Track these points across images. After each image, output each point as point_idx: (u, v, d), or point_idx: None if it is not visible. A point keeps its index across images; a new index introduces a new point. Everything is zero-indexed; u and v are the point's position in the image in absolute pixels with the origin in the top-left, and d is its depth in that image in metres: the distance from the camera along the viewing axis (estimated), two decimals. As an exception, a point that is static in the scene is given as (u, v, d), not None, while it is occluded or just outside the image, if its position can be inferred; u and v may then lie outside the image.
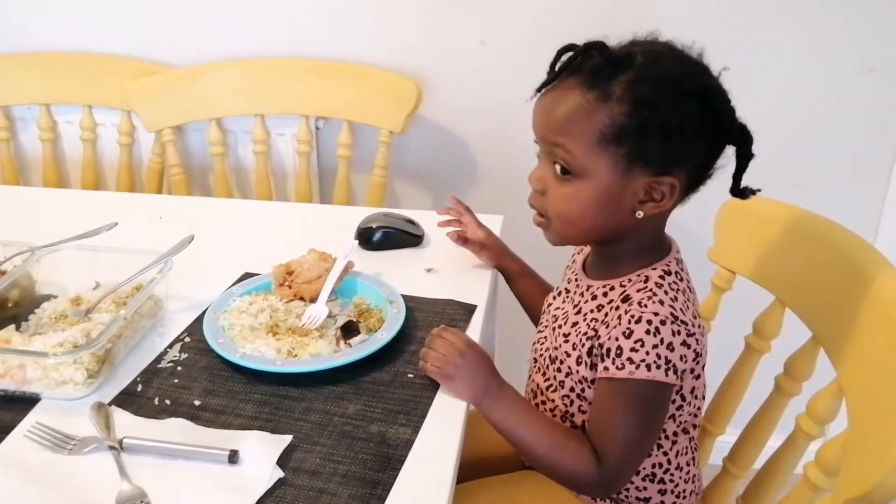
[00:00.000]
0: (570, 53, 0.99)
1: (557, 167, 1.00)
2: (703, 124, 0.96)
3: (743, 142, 1.00)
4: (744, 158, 1.01)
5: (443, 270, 1.35)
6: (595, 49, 0.96)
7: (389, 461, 0.92)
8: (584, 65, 0.97)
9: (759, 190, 1.03)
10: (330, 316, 1.16)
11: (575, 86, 0.96)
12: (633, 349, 0.97)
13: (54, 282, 1.22)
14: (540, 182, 1.03)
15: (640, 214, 1.01)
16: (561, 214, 1.03)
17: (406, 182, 2.06)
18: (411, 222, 1.45)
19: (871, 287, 0.98)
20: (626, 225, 1.02)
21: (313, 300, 1.18)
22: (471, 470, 1.23)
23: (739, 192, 1.03)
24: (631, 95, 0.94)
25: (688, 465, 1.15)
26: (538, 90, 1.01)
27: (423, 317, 1.20)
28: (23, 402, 1.01)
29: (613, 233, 1.04)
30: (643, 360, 0.97)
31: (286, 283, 1.21)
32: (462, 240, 1.35)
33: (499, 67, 1.88)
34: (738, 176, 1.02)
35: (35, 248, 1.23)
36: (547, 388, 1.14)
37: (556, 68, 0.99)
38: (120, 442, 0.93)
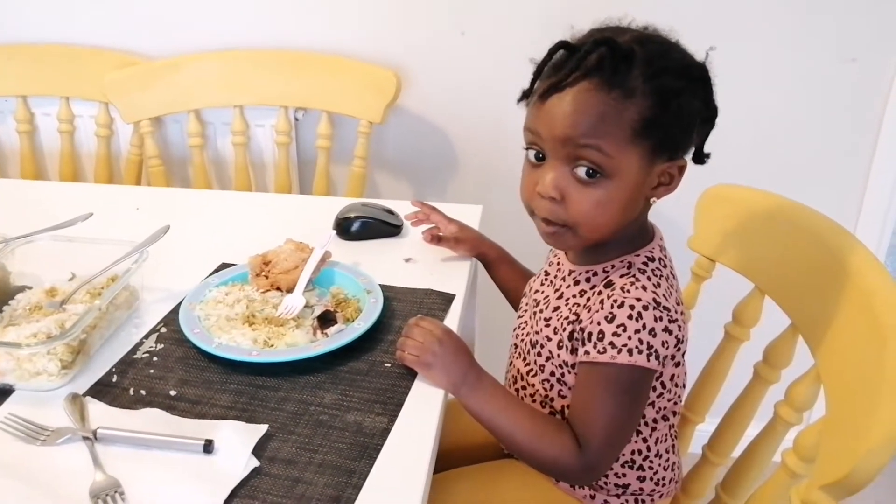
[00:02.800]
0: (563, 51, 0.97)
1: (581, 170, 0.96)
2: (708, 106, 0.99)
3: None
4: (710, 128, 1.03)
5: (421, 260, 1.34)
6: (604, 45, 0.94)
7: (366, 450, 0.92)
8: (592, 63, 0.94)
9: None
10: (307, 306, 1.15)
11: (593, 87, 0.94)
12: (615, 333, 0.98)
13: (29, 273, 1.21)
14: (557, 189, 0.98)
15: (654, 201, 1.02)
16: (589, 219, 0.99)
17: (386, 172, 2.05)
18: (390, 212, 1.44)
19: (848, 274, 0.98)
20: (640, 214, 1.04)
21: (290, 290, 1.17)
22: (450, 459, 1.23)
23: (703, 158, 1.04)
24: (652, 88, 0.94)
25: (667, 452, 1.15)
26: (546, 93, 0.96)
27: (402, 306, 1.19)
28: (-4, 394, 1.00)
29: (629, 224, 1.03)
30: (625, 345, 0.97)
31: (263, 274, 1.20)
32: (436, 239, 1.35)
33: (478, 57, 1.87)
34: (702, 144, 1.04)
35: (8, 239, 1.22)
36: (527, 373, 1.14)
37: (559, 68, 0.96)
38: (94, 432, 0.92)
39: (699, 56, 0.99)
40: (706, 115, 1.00)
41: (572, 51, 0.96)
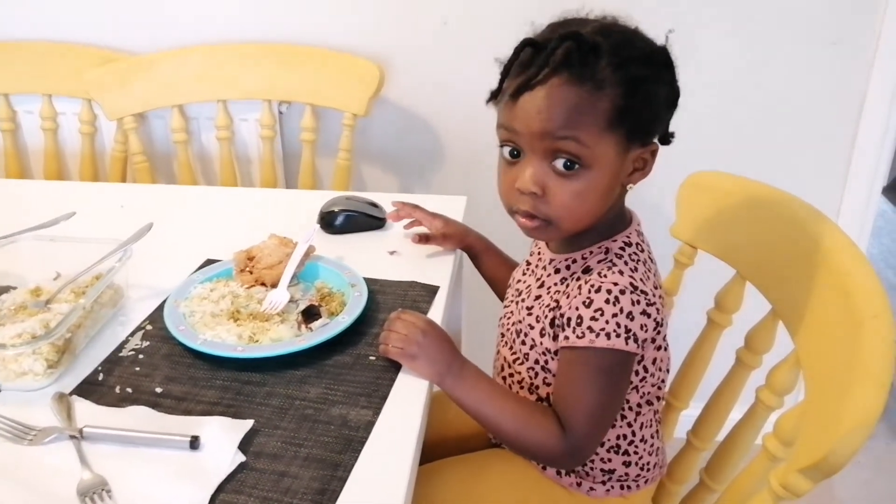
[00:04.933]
0: (529, 49, 0.98)
1: (559, 163, 0.98)
2: (672, 88, 1.01)
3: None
4: (674, 109, 1.04)
5: (406, 252, 1.35)
6: (569, 39, 0.95)
7: (351, 443, 0.92)
8: (560, 58, 0.95)
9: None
10: (292, 301, 1.16)
11: (564, 81, 0.95)
12: (592, 318, 0.99)
13: (13, 273, 1.21)
14: (537, 184, 0.99)
15: (630, 187, 1.04)
16: (572, 211, 1.00)
17: (371, 165, 2.05)
18: (374, 205, 1.45)
19: (825, 259, 0.99)
20: (617, 201, 1.05)
21: (274, 285, 1.18)
22: (437, 449, 1.24)
23: (668, 139, 1.06)
24: (621, 77, 0.95)
25: (652, 437, 1.16)
26: (518, 92, 0.97)
27: (386, 299, 1.20)
28: (-19, 395, 1.00)
29: (608, 211, 1.04)
30: (603, 329, 0.98)
31: (247, 269, 1.20)
32: (424, 238, 1.36)
33: (461, 47, 1.88)
34: (668, 125, 1.05)
35: (-9, 240, 1.21)
36: (514, 361, 1.15)
37: (528, 66, 0.97)
38: (80, 431, 0.92)
39: (659, 40, 1.01)
40: (671, 97, 1.02)
41: (538, 48, 0.97)
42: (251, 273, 1.20)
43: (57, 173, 2.04)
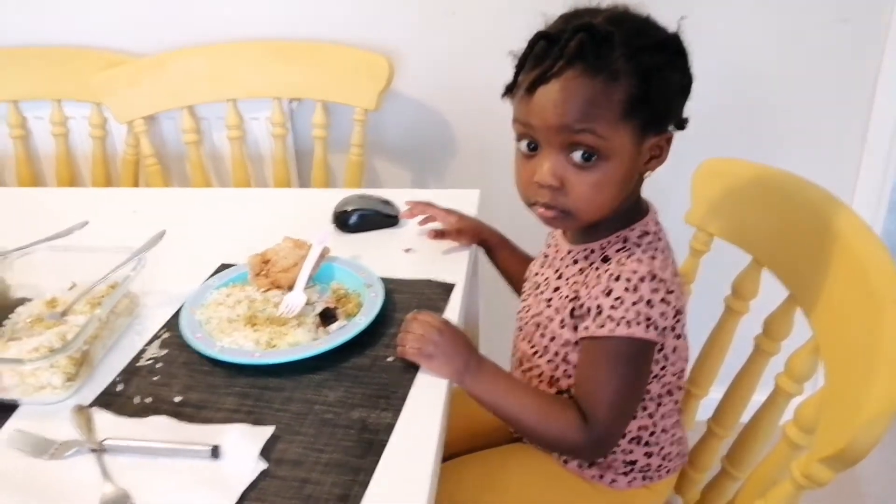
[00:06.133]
0: (543, 42, 0.98)
1: (577, 155, 0.98)
2: (687, 76, 1.01)
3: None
4: (688, 95, 1.04)
5: (421, 249, 1.35)
6: (582, 31, 0.95)
7: (371, 446, 0.92)
8: (573, 50, 0.95)
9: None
10: (308, 303, 1.16)
11: (579, 73, 0.95)
12: (612, 307, 0.99)
13: (28, 284, 1.21)
14: (556, 177, 1.00)
15: (647, 175, 1.05)
16: (591, 201, 1.01)
17: (384, 159, 2.05)
18: (387, 203, 1.44)
19: (841, 245, 0.99)
20: (634, 189, 1.06)
21: (290, 288, 1.18)
22: (458, 446, 1.24)
23: (682, 124, 1.05)
24: (635, 67, 0.95)
25: (673, 427, 1.16)
26: (533, 85, 0.97)
27: (402, 298, 1.19)
28: (1, 410, 1.00)
29: (625, 200, 1.04)
30: (623, 318, 0.98)
31: (263, 273, 1.20)
32: (439, 234, 1.36)
33: (471, 38, 1.87)
34: (681, 111, 1.05)
35: (6, 251, 1.22)
36: (533, 355, 1.14)
37: (542, 59, 0.97)
38: (101, 443, 0.93)
39: (671, 27, 1.01)
40: (685, 84, 1.02)
41: (551, 40, 0.97)
42: (267, 277, 1.20)
43: (69, 178, 2.05)
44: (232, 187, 1.99)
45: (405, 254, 1.34)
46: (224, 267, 1.29)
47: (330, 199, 1.47)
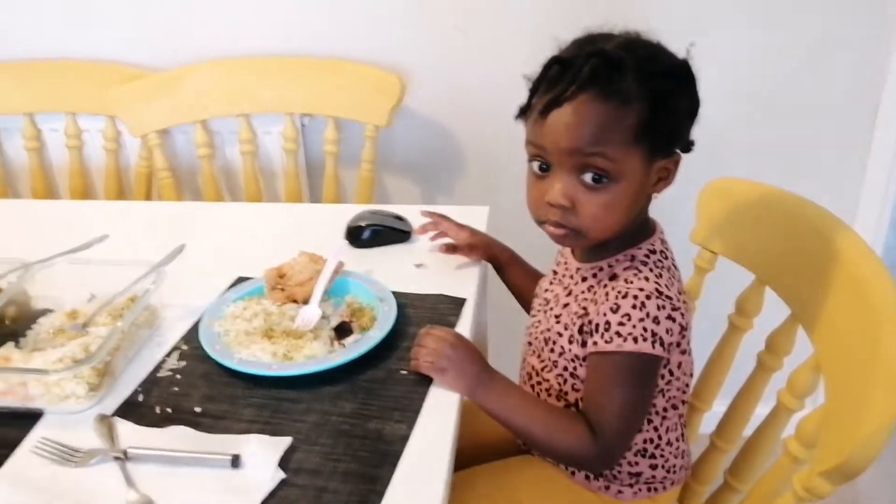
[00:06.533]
0: (556, 66, 1.01)
1: (587, 177, 1.01)
2: (695, 101, 1.05)
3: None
4: (695, 118, 1.07)
5: (432, 265, 1.38)
6: (595, 56, 0.98)
7: (387, 457, 0.95)
8: (586, 75, 0.98)
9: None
10: (323, 317, 1.19)
11: (591, 98, 0.98)
12: (620, 323, 1.02)
13: (49, 296, 1.24)
14: (567, 198, 1.03)
15: (655, 196, 1.08)
16: (600, 222, 1.04)
17: (394, 175, 2.08)
18: (399, 218, 1.47)
19: (842, 264, 1.02)
20: (642, 209, 1.09)
21: (306, 302, 1.21)
22: (467, 457, 1.27)
23: (689, 147, 1.08)
24: (646, 92, 0.98)
25: (677, 440, 1.19)
26: (546, 108, 1.00)
27: (415, 313, 1.22)
28: (27, 418, 1.03)
29: (633, 220, 1.08)
30: (630, 333, 1.01)
31: (278, 287, 1.23)
32: (450, 249, 1.39)
33: (481, 56, 1.90)
34: (689, 134, 1.08)
35: (28, 264, 1.25)
36: (542, 369, 1.17)
37: (555, 83, 1.00)
38: (125, 452, 0.95)
39: (681, 53, 1.04)
40: (693, 108, 1.06)
41: (565, 65, 1.00)
42: (283, 290, 1.22)
43: (83, 190, 2.08)
44: (244, 201, 2.02)
45: (416, 269, 1.37)
46: (240, 280, 1.32)
47: (342, 214, 1.50)
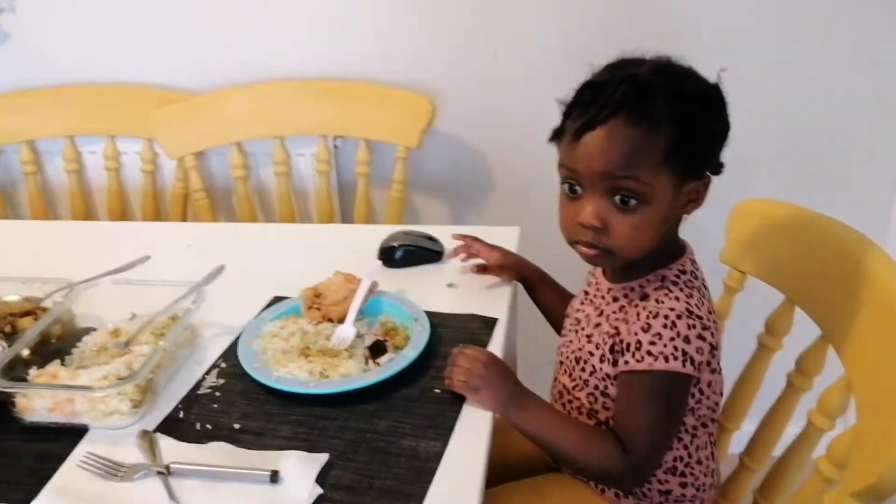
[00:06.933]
0: (590, 90, 1.04)
1: (619, 199, 1.03)
2: (725, 124, 1.07)
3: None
4: (725, 141, 1.09)
5: (463, 285, 1.39)
6: (627, 81, 1.01)
7: (421, 473, 0.97)
8: (618, 99, 1.00)
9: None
10: (358, 336, 1.21)
11: (623, 122, 1.00)
12: (651, 342, 1.04)
13: (92, 315, 1.28)
14: (599, 219, 1.04)
15: (686, 217, 1.10)
16: (632, 242, 1.05)
17: (424, 195, 2.10)
18: (431, 239, 1.49)
19: (873, 285, 1.03)
20: (672, 230, 1.11)
21: (341, 321, 1.23)
22: (499, 474, 1.28)
23: (719, 169, 1.10)
24: (677, 117, 1.00)
25: (707, 459, 1.20)
26: (579, 132, 1.02)
27: (447, 332, 1.24)
28: (72, 434, 1.06)
29: (663, 241, 1.09)
30: (661, 353, 1.03)
31: (314, 306, 1.26)
32: (482, 269, 1.40)
33: (510, 80, 1.92)
34: (718, 157, 1.10)
35: (73, 283, 1.29)
36: (573, 388, 1.19)
37: (588, 107, 1.02)
38: (167, 467, 0.98)
39: (711, 77, 1.06)
40: (723, 132, 1.08)
41: (597, 89, 1.02)
42: (318, 310, 1.25)
43: (120, 211, 2.13)
44: (277, 221, 2.06)
45: (448, 288, 1.39)
46: (276, 300, 1.35)
47: (374, 234, 1.52)
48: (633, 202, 1.02)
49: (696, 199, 1.08)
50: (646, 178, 1.01)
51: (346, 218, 2.11)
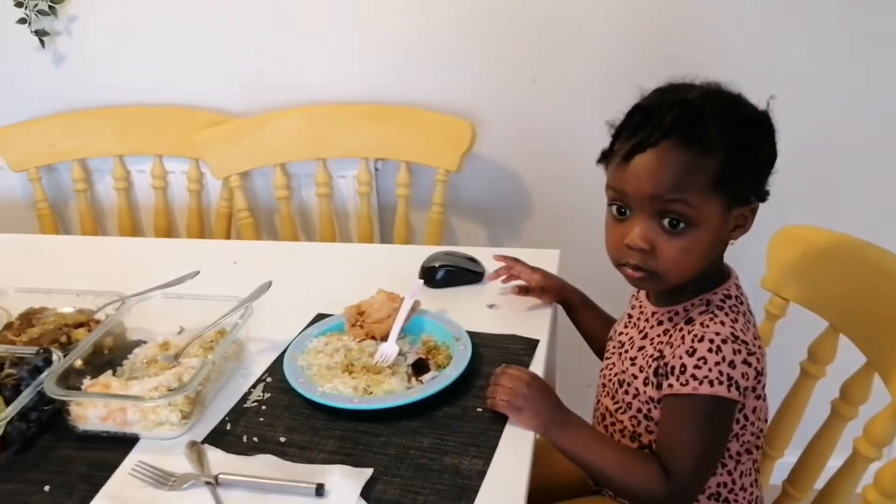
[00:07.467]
0: (639, 114, 1.05)
1: (667, 222, 1.04)
2: (773, 151, 1.08)
3: None
4: (772, 168, 1.09)
5: (504, 306, 1.41)
6: (677, 106, 1.02)
7: (464, 491, 0.98)
8: (669, 123, 1.01)
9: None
10: (400, 353, 1.23)
11: (673, 145, 1.01)
12: (696, 366, 1.04)
13: (142, 328, 1.31)
14: (646, 241, 1.05)
15: (732, 242, 1.10)
16: (678, 265, 1.06)
17: (463, 218, 2.13)
18: (472, 260, 1.51)
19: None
20: (718, 255, 1.11)
21: (384, 339, 1.25)
22: (540, 495, 1.28)
23: (765, 196, 1.10)
24: (727, 142, 1.01)
25: (751, 486, 1.19)
26: (629, 154, 1.04)
27: (488, 352, 1.25)
28: (124, 443, 1.09)
29: (709, 265, 1.10)
30: (706, 377, 1.03)
31: (358, 324, 1.28)
32: (523, 291, 1.41)
33: (549, 104, 1.94)
34: (765, 184, 1.10)
35: (125, 297, 1.32)
36: (616, 411, 1.19)
37: (638, 130, 1.04)
38: (216, 478, 1.00)
39: (761, 104, 1.07)
40: (771, 158, 1.08)
41: (647, 113, 1.03)
42: (362, 327, 1.27)
43: (166, 228, 2.17)
44: (318, 241, 2.10)
45: (489, 309, 1.40)
46: (320, 317, 1.37)
47: (417, 254, 1.54)
48: (681, 225, 1.03)
49: (742, 225, 1.09)
50: (694, 201, 1.02)
51: (386, 239, 2.14)
